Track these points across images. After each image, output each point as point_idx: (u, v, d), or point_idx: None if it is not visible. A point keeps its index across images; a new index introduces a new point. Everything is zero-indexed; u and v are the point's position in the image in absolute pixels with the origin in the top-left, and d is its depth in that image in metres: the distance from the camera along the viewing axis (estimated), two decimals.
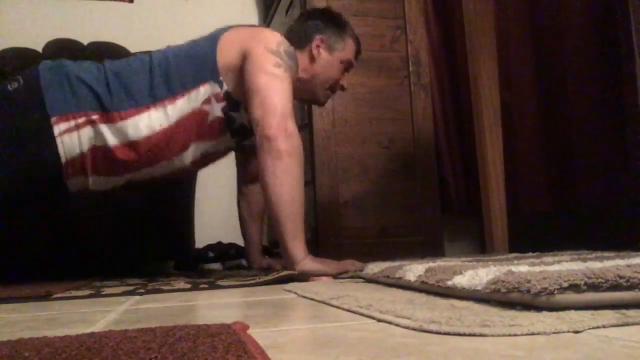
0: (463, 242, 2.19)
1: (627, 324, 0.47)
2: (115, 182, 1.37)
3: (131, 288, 1.11)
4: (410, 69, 1.97)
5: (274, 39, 1.34)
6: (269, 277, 1.13)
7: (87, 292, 1.06)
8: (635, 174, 1.49)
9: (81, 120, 1.27)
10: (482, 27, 1.65)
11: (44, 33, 2.47)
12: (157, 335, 0.45)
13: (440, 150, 2.09)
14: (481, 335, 0.45)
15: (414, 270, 0.84)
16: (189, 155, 1.38)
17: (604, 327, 0.46)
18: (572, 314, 0.50)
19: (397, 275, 0.88)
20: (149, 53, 1.41)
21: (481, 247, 1.99)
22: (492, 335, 0.45)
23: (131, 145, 1.30)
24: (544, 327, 0.45)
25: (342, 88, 1.55)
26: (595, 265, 0.65)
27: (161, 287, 1.11)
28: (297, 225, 1.19)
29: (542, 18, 1.85)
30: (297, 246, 1.18)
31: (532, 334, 0.45)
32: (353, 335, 0.48)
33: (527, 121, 1.89)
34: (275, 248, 1.94)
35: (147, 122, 1.30)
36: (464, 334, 0.45)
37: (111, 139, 1.29)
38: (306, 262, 1.17)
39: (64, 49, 2.40)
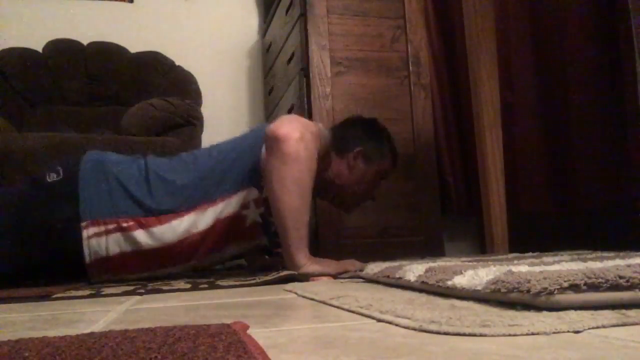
0: (463, 242, 2.19)
1: (627, 324, 0.47)
2: (139, 276, 1.35)
3: (131, 288, 1.11)
4: (410, 69, 1.97)
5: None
6: (269, 277, 1.13)
7: (87, 292, 1.06)
8: (635, 174, 1.50)
9: (112, 226, 1.26)
10: (482, 27, 1.65)
11: (44, 33, 2.47)
12: (157, 335, 0.45)
13: (440, 150, 2.09)
14: (481, 335, 0.45)
15: (414, 270, 0.84)
16: (223, 255, 1.39)
17: (604, 327, 0.46)
18: (572, 314, 0.50)
19: (397, 275, 0.88)
20: (193, 153, 1.40)
21: (481, 247, 1.99)
22: (492, 335, 0.44)
23: (166, 247, 1.29)
24: (544, 327, 0.45)
25: (373, 198, 1.54)
26: (595, 265, 0.65)
27: (161, 287, 1.11)
28: (301, 233, 1.18)
29: (543, 18, 1.85)
30: (300, 253, 1.17)
31: (532, 334, 0.45)
32: (353, 335, 0.48)
33: (527, 121, 1.89)
34: (275, 248, 1.94)
35: (186, 226, 1.29)
36: (464, 334, 0.45)
37: (145, 243, 1.27)
38: (307, 266, 1.17)
39: (64, 49, 2.41)
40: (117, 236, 1.26)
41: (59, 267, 1.29)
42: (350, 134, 1.46)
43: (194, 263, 1.37)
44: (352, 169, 1.44)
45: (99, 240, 1.25)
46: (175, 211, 1.29)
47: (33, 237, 1.24)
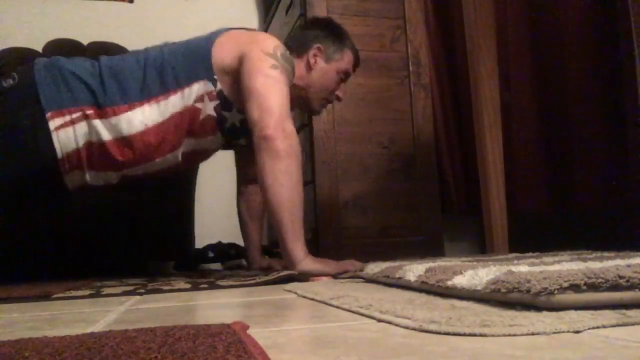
0: (463, 242, 2.19)
1: (627, 324, 0.47)
2: (110, 177, 1.37)
3: (131, 288, 1.11)
4: (410, 69, 1.97)
5: (271, 42, 1.35)
6: (269, 277, 1.13)
7: (87, 292, 1.06)
8: (634, 173, 1.49)
9: (76, 115, 1.28)
10: (482, 27, 1.65)
11: (44, 33, 2.47)
12: (157, 335, 0.45)
13: (440, 150, 2.09)
14: (481, 335, 0.45)
15: (414, 270, 0.84)
16: (180, 151, 1.39)
17: (604, 327, 0.46)
18: (572, 314, 0.50)
19: (397, 275, 0.88)
20: (145, 50, 1.42)
21: (481, 247, 1.99)
22: (492, 335, 0.45)
23: (125, 140, 1.31)
24: (544, 327, 0.45)
25: (338, 98, 1.55)
26: (595, 265, 0.65)
27: (161, 287, 1.11)
28: (296, 226, 1.19)
29: (542, 18, 1.85)
30: (297, 247, 1.18)
31: (532, 334, 0.45)
32: (353, 335, 0.48)
33: (527, 121, 1.89)
34: (275, 248, 1.94)
35: (141, 118, 1.31)
36: (464, 334, 0.45)
37: (105, 135, 1.30)
38: (306, 262, 1.17)
39: (64, 49, 2.41)
40: (82, 125, 1.29)
41: (35, 176, 1.30)
42: (307, 35, 1.49)
43: (157, 161, 1.36)
44: (311, 69, 1.46)
45: (67, 131, 1.27)
46: (128, 102, 1.31)
47: (3, 147, 1.26)
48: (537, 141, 1.87)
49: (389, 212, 1.88)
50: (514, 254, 1.31)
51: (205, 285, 1.10)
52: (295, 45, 1.46)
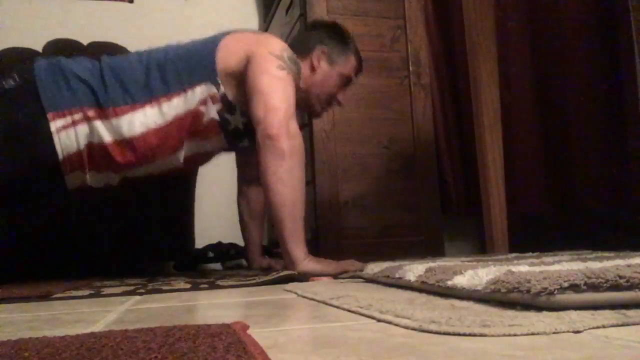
0: (463, 242, 2.19)
1: (627, 324, 0.47)
2: (111, 178, 1.37)
3: (131, 288, 1.11)
4: (410, 69, 1.97)
5: (277, 44, 1.35)
6: (269, 277, 1.13)
7: (87, 292, 1.06)
8: (634, 174, 1.49)
9: (77, 116, 1.27)
10: (482, 27, 1.65)
11: (44, 33, 2.47)
12: (157, 335, 0.45)
13: (440, 150, 2.09)
14: (481, 335, 0.45)
15: (414, 270, 0.84)
16: (182, 154, 1.38)
17: (604, 327, 0.46)
18: (572, 314, 0.50)
19: (397, 275, 0.88)
20: (148, 50, 1.42)
21: (481, 247, 1.99)
22: (492, 335, 0.45)
23: (126, 142, 1.30)
24: (544, 327, 0.45)
25: (339, 103, 1.55)
26: (595, 265, 0.66)
27: (161, 287, 1.11)
28: (297, 226, 1.19)
29: (542, 18, 1.85)
30: (297, 247, 1.18)
31: (532, 334, 0.45)
32: (353, 335, 0.48)
33: (527, 121, 1.89)
34: (275, 248, 1.94)
35: (142, 120, 1.30)
36: (464, 334, 0.45)
37: (106, 136, 1.29)
38: (306, 262, 1.17)
39: (63, 49, 2.41)
40: (83, 127, 1.28)
41: (36, 177, 1.30)
42: (312, 37, 1.49)
43: (158, 163, 1.37)
44: (314, 70, 1.45)
45: (68, 133, 1.27)
46: (130, 103, 1.30)
47: (3, 147, 1.25)
48: (537, 141, 1.87)
49: (389, 212, 1.88)
50: (514, 254, 1.31)
51: (205, 285, 1.10)
52: (299, 47, 1.45)
